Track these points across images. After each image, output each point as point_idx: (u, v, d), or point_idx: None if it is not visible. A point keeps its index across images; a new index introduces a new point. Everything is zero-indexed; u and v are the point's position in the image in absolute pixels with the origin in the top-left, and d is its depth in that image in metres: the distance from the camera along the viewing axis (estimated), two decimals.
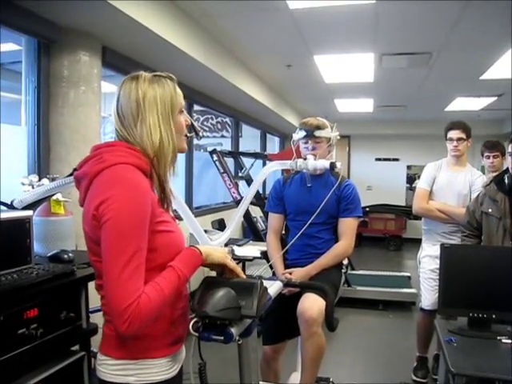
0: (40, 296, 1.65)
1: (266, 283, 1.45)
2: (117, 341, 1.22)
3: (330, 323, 1.82)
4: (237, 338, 1.34)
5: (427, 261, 3.47)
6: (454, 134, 3.36)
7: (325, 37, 4.28)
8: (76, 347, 1.92)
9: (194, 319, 1.31)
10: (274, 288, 1.69)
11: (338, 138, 2.68)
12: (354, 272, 5.92)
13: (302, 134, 2.60)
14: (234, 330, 1.31)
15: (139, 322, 1.11)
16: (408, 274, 6.18)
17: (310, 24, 3.92)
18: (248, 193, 2.50)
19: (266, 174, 2.49)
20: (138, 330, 1.13)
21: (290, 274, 2.50)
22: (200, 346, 1.30)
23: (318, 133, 2.56)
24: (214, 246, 1.44)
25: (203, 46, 4.10)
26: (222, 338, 1.29)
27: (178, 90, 1.35)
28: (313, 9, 3.53)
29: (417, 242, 8.27)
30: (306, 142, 2.60)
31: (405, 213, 9.84)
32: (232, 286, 1.34)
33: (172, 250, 1.26)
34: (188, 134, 1.41)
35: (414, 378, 3.51)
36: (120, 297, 1.10)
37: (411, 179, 10.90)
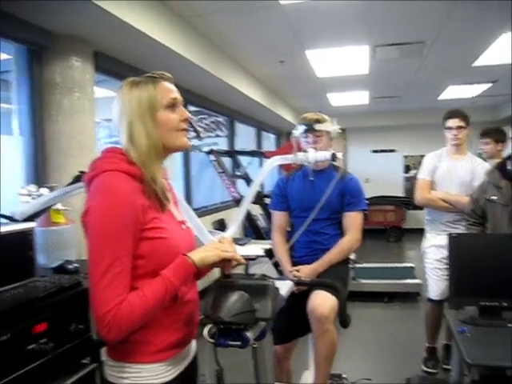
0: (48, 310, 1.62)
1: (276, 283, 1.43)
2: (115, 344, 1.24)
3: (344, 320, 1.79)
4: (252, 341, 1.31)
5: (432, 251, 3.45)
6: (452, 122, 3.33)
7: (317, 31, 4.25)
8: (87, 359, 1.88)
9: (209, 325, 1.28)
10: (285, 288, 1.66)
11: (339, 131, 2.66)
12: (357, 265, 5.90)
13: (302, 128, 2.57)
14: (249, 334, 1.28)
15: (118, 329, 1.13)
16: (412, 265, 6.16)
17: (301, 19, 3.90)
18: (250, 190, 2.46)
19: (267, 170, 2.44)
20: (118, 336, 1.15)
21: (298, 271, 2.47)
22: (216, 352, 1.27)
23: (317, 126, 2.54)
24: (206, 245, 1.36)
25: (195, 46, 4.07)
26: (239, 343, 1.26)
27: (166, 86, 1.31)
28: (304, 3, 3.50)
29: (417, 233, 8.27)
30: (307, 137, 2.58)
31: (404, 203, 9.84)
32: (245, 288, 1.31)
33: (163, 256, 1.23)
34: (187, 129, 1.37)
35: (425, 368, 3.50)
36: (98, 303, 1.13)
37: (408, 168, 10.92)
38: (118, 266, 1.15)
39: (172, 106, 1.31)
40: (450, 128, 3.35)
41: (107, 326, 1.12)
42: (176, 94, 1.33)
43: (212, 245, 1.35)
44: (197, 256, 1.26)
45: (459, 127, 3.31)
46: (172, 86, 1.34)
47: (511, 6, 3.58)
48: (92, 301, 1.15)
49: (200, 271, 1.30)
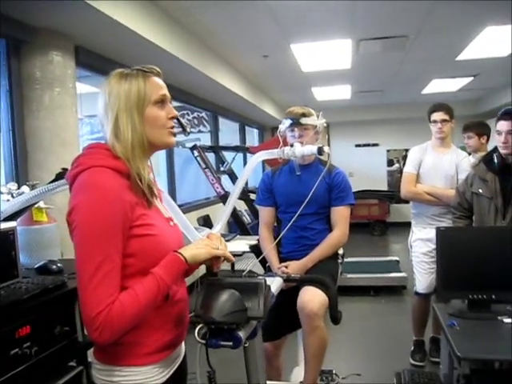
0: (31, 312, 1.56)
1: (267, 280, 1.40)
2: (104, 347, 1.20)
3: (335, 316, 1.78)
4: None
5: (419, 244, 3.47)
6: (437, 115, 3.35)
7: (302, 25, 4.22)
8: (73, 362, 1.83)
9: (199, 326, 1.24)
10: (275, 285, 1.64)
11: (325, 125, 2.63)
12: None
13: (288, 122, 2.54)
14: (241, 334, 1.25)
15: (110, 331, 1.09)
16: (397, 258, 6.21)
17: (286, 12, 3.87)
18: (236, 186, 2.43)
19: (253, 165, 2.40)
20: (111, 338, 1.11)
21: (286, 267, 2.45)
22: (208, 353, 1.24)
23: (304, 120, 2.52)
24: (196, 242, 1.32)
25: (179, 40, 4.01)
26: (231, 343, 1.23)
27: (156, 82, 1.28)
28: None
29: (401, 226, 8.35)
30: (293, 130, 2.55)
31: (388, 197, 9.91)
32: (235, 287, 1.28)
33: (153, 254, 1.20)
34: (174, 128, 1.33)
35: (413, 361, 3.52)
36: (89, 305, 1.08)
37: (391, 162, 10.99)
38: (107, 264, 1.10)
39: (161, 102, 1.28)
40: (434, 121, 3.36)
41: (99, 328, 1.08)
42: (165, 90, 1.30)
43: (202, 242, 1.32)
44: (188, 253, 1.23)
45: (443, 120, 3.33)
46: (162, 82, 1.31)
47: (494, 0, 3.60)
48: (82, 302, 1.10)
49: (189, 268, 1.26)
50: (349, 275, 5.40)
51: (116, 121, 1.21)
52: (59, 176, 2.02)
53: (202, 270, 1.37)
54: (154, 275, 1.16)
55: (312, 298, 2.23)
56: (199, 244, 1.29)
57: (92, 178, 1.16)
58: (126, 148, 1.21)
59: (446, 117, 3.33)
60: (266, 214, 2.70)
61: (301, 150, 2.28)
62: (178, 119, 1.37)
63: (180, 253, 1.22)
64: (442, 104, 3.42)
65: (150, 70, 1.28)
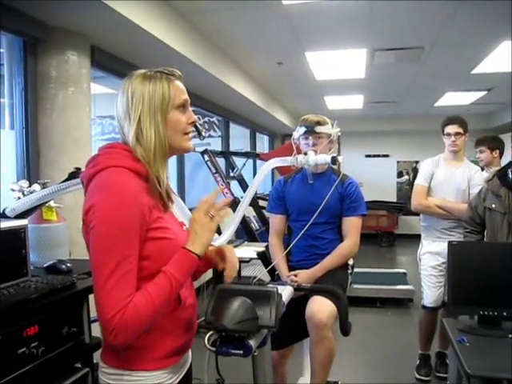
0: (40, 312, 1.55)
1: (279, 289, 1.38)
2: (113, 349, 1.19)
3: (345, 328, 1.75)
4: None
5: (428, 257, 3.43)
6: (451, 128, 3.32)
7: (318, 33, 4.21)
8: (79, 363, 1.82)
9: (210, 333, 1.23)
10: (285, 293, 1.62)
11: (339, 134, 2.62)
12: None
13: (303, 130, 2.53)
14: (252, 342, 1.23)
15: (125, 333, 1.08)
16: (404, 271, 6.16)
17: (303, 20, 3.85)
18: (248, 193, 2.42)
19: (266, 171, 2.40)
20: (127, 340, 1.10)
21: (295, 276, 2.42)
22: (217, 360, 1.22)
23: (318, 129, 2.50)
24: (193, 229, 1.24)
25: (194, 43, 4.01)
26: (242, 351, 1.21)
27: (179, 86, 1.28)
28: (306, 4, 3.45)
29: (409, 238, 8.27)
30: (307, 138, 2.53)
31: (396, 209, 9.86)
32: (247, 294, 1.26)
33: (168, 257, 1.18)
34: (191, 133, 1.33)
35: (418, 376, 3.47)
36: (105, 307, 1.08)
37: (400, 174, 10.94)
38: (124, 266, 1.09)
39: (182, 106, 1.27)
40: (448, 134, 3.34)
41: (114, 330, 1.07)
42: (187, 95, 1.30)
43: (199, 226, 1.24)
44: (195, 246, 1.20)
45: (457, 133, 3.30)
46: (183, 87, 1.30)
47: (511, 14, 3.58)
48: (97, 304, 1.09)
49: (197, 270, 1.25)
50: (355, 286, 5.36)
51: (139, 123, 1.20)
52: (72, 175, 2.02)
53: (209, 274, 1.35)
54: (165, 274, 1.15)
55: (321, 307, 2.20)
56: (198, 230, 1.24)
57: (111, 178, 1.15)
58: (147, 151, 1.20)
59: (460, 130, 3.31)
60: (276, 221, 2.68)
61: (314, 158, 2.27)
62: (194, 124, 1.36)
63: (189, 248, 1.19)
64: (457, 117, 3.40)
65: (172, 73, 1.28)
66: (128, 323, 1.07)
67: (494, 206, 2.75)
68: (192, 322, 1.31)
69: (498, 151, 3.86)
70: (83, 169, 1.28)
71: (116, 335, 1.07)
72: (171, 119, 1.24)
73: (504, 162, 3.14)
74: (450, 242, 2.37)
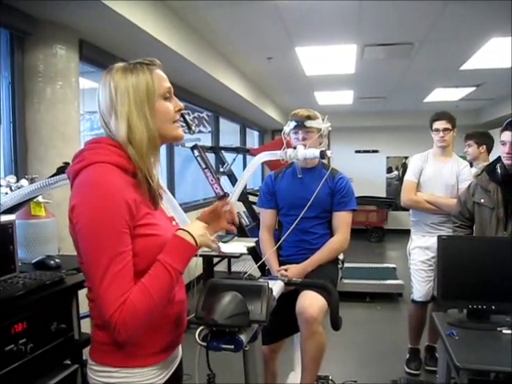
0: (28, 308, 1.53)
1: (270, 284, 1.38)
2: (101, 346, 1.18)
3: (336, 322, 1.75)
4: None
5: (417, 252, 3.45)
6: (439, 124, 3.34)
7: (308, 28, 4.20)
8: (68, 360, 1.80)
9: (200, 327, 1.22)
10: (276, 288, 1.62)
11: (330, 129, 2.62)
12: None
13: (293, 124, 2.53)
14: (243, 337, 1.23)
15: (126, 330, 1.07)
16: (393, 266, 6.20)
17: (293, 15, 3.85)
18: (237, 187, 2.41)
19: (255, 166, 2.39)
20: (130, 336, 1.09)
21: (286, 270, 2.42)
22: (208, 355, 1.22)
23: (308, 123, 2.50)
24: (196, 228, 1.24)
25: (184, 38, 3.99)
26: (232, 346, 1.21)
27: (160, 75, 1.25)
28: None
29: (398, 233, 8.31)
30: (297, 133, 2.53)
31: (386, 204, 9.91)
32: (238, 289, 1.26)
33: (156, 254, 1.16)
34: (181, 121, 1.31)
35: (408, 369, 3.49)
36: (103, 306, 1.07)
37: (390, 170, 11.00)
38: (116, 264, 1.08)
39: (168, 95, 1.25)
40: (436, 130, 3.35)
41: (115, 328, 1.07)
42: (169, 83, 1.27)
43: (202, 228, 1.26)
44: (191, 228, 1.21)
45: (445, 129, 3.32)
46: (164, 75, 1.27)
47: (501, 11, 3.60)
48: (98, 304, 1.10)
49: None
50: (345, 280, 5.36)
51: (127, 118, 1.17)
52: (60, 170, 2.00)
53: (199, 269, 1.35)
54: (160, 262, 1.13)
55: (312, 302, 2.20)
56: (200, 223, 1.27)
57: (95, 174, 1.12)
58: (139, 146, 1.18)
59: (448, 125, 3.32)
60: (267, 216, 2.67)
61: (303, 152, 2.28)
62: (183, 117, 1.35)
63: (185, 234, 1.18)
64: (445, 113, 3.41)
65: (152, 62, 1.25)
66: (127, 320, 1.06)
67: (482, 200, 2.77)
68: (181, 318, 1.29)
69: (485, 146, 3.90)
70: None
71: (118, 333, 1.07)
72: (158, 109, 1.21)
73: (493, 157, 3.16)
74: (439, 237, 2.38)
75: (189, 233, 1.19)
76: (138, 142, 1.18)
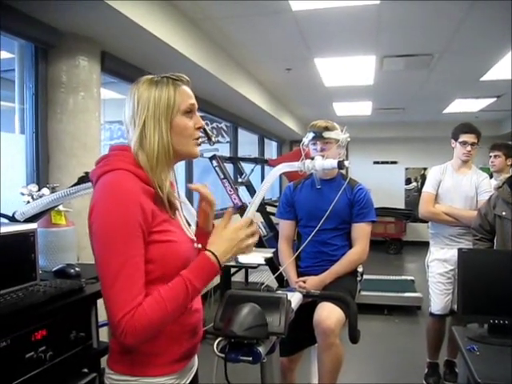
0: (48, 316, 1.54)
1: (289, 295, 1.37)
2: (119, 355, 1.19)
3: (354, 335, 1.74)
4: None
5: (436, 264, 3.40)
6: (468, 137, 3.27)
7: (327, 39, 4.22)
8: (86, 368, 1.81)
9: (219, 339, 1.22)
10: (294, 300, 1.61)
11: (348, 140, 2.61)
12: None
13: (311, 135, 2.54)
14: (261, 349, 1.22)
15: (133, 336, 1.07)
16: (412, 278, 6.12)
17: (312, 26, 3.86)
18: (255, 197, 2.42)
19: (274, 177, 2.40)
20: (136, 342, 1.09)
21: (304, 282, 2.41)
22: (226, 367, 1.21)
23: (326, 134, 2.51)
24: (222, 238, 1.21)
25: (203, 49, 4.03)
26: (251, 358, 1.20)
27: (185, 91, 1.27)
28: (316, 10, 3.47)
29: (417, 245, 8.20)
30: (315, 144, 2.54)
31: (404, 216, 9.80)
32: (256, 300, 1.26)
33: (171, 261, 1.17)
34: (200, 139, 1.32)
35: None
36: (112, 309, 1.07)
37: (409, 181, 10.90)
38: (128, 268, 1.08)
39: (189, 112, 1.26)
40: (464, 142, 3.28)
41: (123, 332, 1.06)
42: (194, 100, 1.29)
43: (232, 239, 1.21)
44: (215, 247, 1.18)
45: (473, 143, 3.27)
46: (191, 92, 1.29)
47: None
48: (106, 306, 1.09)
49: None
50: (362, 292, 5.31)
51: (143, 128, 1.19)
52: (81, 180, 2.03)
53: (216, 280, 1.35)
54: (183, 279, 1.13)
55: (329, 314, 2.19)
56: (227, 242, 1.21)
57: (115, 179, 1.14)
58: (149, 156, 1.19)
59: (476, 140, 3.28)
60: (286, 227, 2.67)
61: (321, 163, 2.27)
62: (204, 128, 1.36)
63: (212, 253, 1.17)
64: (475, 127, 3.34)
65: (179, 78, 1.27)
66: (136, 326, 1.06)
67: (504, 213, 2.73)
68: (198, 328, 1.30)
69: (511, 160, 3.85)
70: None
71: (125, 337, 1.06)
72: (177, 124, 1.23)
73: None
74: (460, 250, 2.34)
75: (215, 255, 1.17)
76: (149, 152, 1.19)
